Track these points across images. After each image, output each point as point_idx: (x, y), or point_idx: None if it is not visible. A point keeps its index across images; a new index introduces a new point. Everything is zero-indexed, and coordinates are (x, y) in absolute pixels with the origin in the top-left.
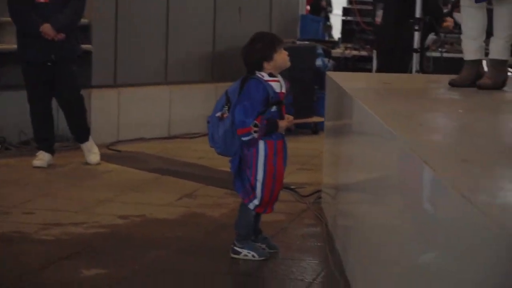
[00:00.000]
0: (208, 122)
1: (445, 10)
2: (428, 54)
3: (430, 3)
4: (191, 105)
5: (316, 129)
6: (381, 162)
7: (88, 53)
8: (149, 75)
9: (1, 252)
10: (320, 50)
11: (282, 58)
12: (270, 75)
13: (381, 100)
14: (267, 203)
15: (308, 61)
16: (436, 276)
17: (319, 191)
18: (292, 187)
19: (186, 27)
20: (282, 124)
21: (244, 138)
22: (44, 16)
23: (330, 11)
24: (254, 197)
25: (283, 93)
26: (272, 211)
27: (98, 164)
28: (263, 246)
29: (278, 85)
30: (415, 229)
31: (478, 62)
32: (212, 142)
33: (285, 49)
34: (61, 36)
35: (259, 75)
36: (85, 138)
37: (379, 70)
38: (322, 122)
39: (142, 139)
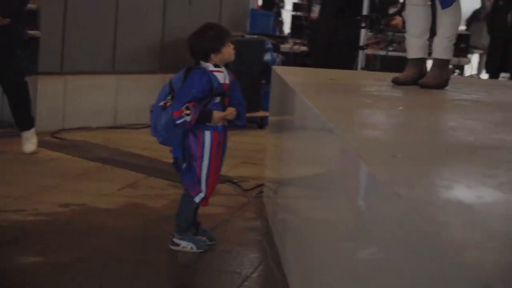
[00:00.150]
0: (151, 111)
1: (394, 9)
2: (376, 52)
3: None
4: (138, 95)
5: (262, 123)
6: (319, 157)
7: (35, 39)
8: (96, 63)
9: None
10: (269, 45)
11: (228, 51)
12: (215, 65)
13: (323, 95)
14: (209, 195)
15: (257, 55)
16: (370, 271)
17: (261, 185)
18: (235, 180)
19: (135, 17)
20: (217, 115)
21: (177, 122)
22: None
23: (282, 7)
24: (201, 190)
25: (226, 84)
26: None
27: (33, 153)
28: (203, 238)
29: (222, 76)
30: (349, 224)
31: (422, 61)
32: (154, 131)
33: (234, 42)
34: (6, 21)
35: (204, 66)
36: (27, 127)
37: (315, 65)
38: (267, 117)
39: (87, 128)
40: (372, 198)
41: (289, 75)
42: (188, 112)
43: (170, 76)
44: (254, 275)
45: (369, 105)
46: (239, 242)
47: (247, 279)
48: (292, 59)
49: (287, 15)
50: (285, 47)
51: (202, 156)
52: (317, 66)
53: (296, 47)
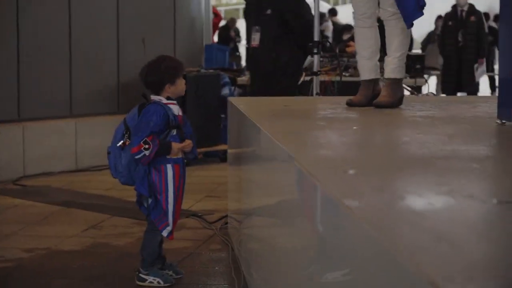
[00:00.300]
0: (108, 153)
1: (348, 36)
2: (334, 78)
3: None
4: (98, 137)
5: (224, 157)
6: (276, 182)
7: None
8: (53, 108)
9: None
10: (226, 79)
11: (182, 84)
12: (168, 98)
13: (276, 121)
14: (174, 228)
15: (213, 89)
16: None
17: (225, 217)
18: (199, 214)
19: (89, 59)
20: (176, 146)
21: (136, 157)
22: None
23: (239, 41)
24: (168, 224)
25: (180, 116)
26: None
27: None
28: (170, 272)
29: (176, 109)
30: (308, 246)
31: (374, 82)
32: (115, 173)
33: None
34: None
35: (156, 99)
36: None
37: (257, 93)
38: None
39: (49, 173)
40: (327, 215)
41: (244, 105)
42: (146, 146)
43: None
44: None
45: (322, 127)
46: (206, 274)
47: None
48: (249, 91)
49: (243, 49)
50: (242, 80)
51: (166, 190)
52: (258, 95)
53: None
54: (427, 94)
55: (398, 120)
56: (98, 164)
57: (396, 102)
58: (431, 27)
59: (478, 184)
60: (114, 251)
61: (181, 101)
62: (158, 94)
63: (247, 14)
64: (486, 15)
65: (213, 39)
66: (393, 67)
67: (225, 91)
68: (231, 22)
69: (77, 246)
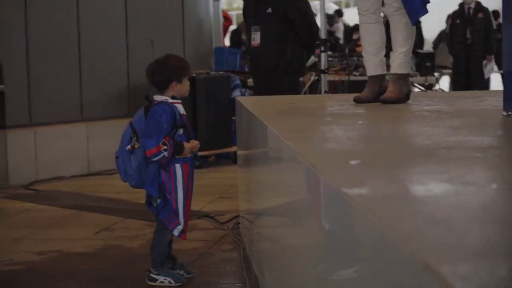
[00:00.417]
0: (116, 157)
1: (358, 35)
2: (344, 78)
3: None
4: (109, 141)
5: (236, 158)
6: (281, 178)
7: (0, 93)
8: (64, 112)
9: None
10: (237, 81)
11: (187, 85)
12: (173, 98)
13: (283, 118)
14: (186, 227)
15: (223, 91)
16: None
17: (236, 217)
18: (211, 215)
19: (99, 63)
20: (187, 146)
21: (154, 158)
22: None
23: None
24: (179, 223)
25: (185, 115)
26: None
27: None
28: (181, 272)
29: (181, 108)
30: (317, 242)
31: (381, 77)
32: (125, 176)
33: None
34: None
35: (161, 99)
36: None
37: (258, 93)
38: None
39: (61, 178)
40: (329, 206)
41: (251, 104)
42: (165, 147)
43: None
44: None
45: (328, 122)
46: (218, 274)
47: None
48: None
49: None
50: (252, 81)
51: (176, 190)
52: (260, 94)
53: None
54: (435, 90)
55: (405, 114)
56: (110, 167)
57: (403, 97)
58: (442, 26)
59: (479, 172)
60: (126, 253)
61: (192, 103)
62: (163, 92)
63: (245, 15)
64: (496, 13)
65: (224, 43)
66: (399, 62)
67: (236, 93)
68: (242, 25)
69: (88, 249)
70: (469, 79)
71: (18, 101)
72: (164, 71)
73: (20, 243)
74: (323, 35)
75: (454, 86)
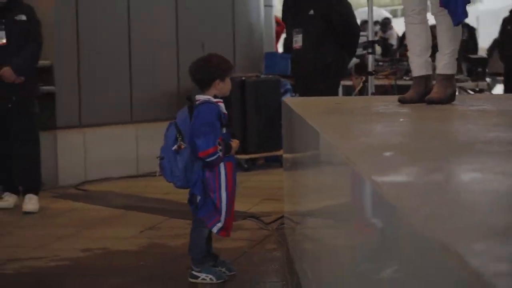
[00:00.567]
0: (162, 158)
1: None
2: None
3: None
4: (158, 143)
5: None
6: (326, 179)
7: (51, 94)
8: (114, 114)
9: None
10: (288, 86)
11: (229, 84)
12: (215, 97)
13: (325, 117)
14: (228, 225)
15: (273, 94)
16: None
17: (281, 217)
18: (257, 216)
19: (149, 65)
20: (234, 145)
21: (209, 159)
22: (2, 58)
23: None
24: (218, 221)
25: (226, 114)
26: (229, 236)
27: (34, 212)
28: (223, 269)
29: (223, 107)
30: (362, 243)
31: (426, 78)
32: (171, 177)
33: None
34: (21, 79)
35: (204, 98)
36: (33, 189)
37: (300, 95)
38: None
39: (110, 179)
40: (356, 191)
41: (296, 104)
42: (220, 147)
43: None
44: None
45: (370, 120)
46: (260, 272)
47: None
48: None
49: None
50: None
51: (219, 188)
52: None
53: None
54: (482, 92)
55: (447, 113)
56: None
57: (448, 97)
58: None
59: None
60: (169, 251)
61: (241, 107)
62: (205, 91)
63: (285, 17)
64: None
65: (277, 48)
66: (444, 63)
67: (287, 97)
68: None
69: (133, 247)
70: None
71: (68, 102)
72: (208, 69)
73: (66, 241)
74: (370, 37)
75: (506, 92)
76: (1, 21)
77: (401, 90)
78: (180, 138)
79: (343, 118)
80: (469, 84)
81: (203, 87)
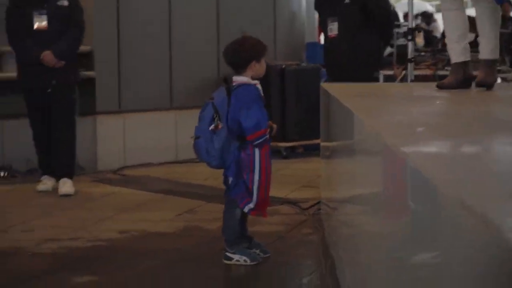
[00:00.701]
0: (198, 137)
1: None
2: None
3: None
4: None
5: None
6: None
7: (91, 79)
8: (154, 100)
9: None
10: None
11: (264, 65)
12: (251, 79)
13: (361, 99)
14: (261, 205)
15: (313, 83)
16: (425, 273)
17: (318, 203)
18: (294, 201)
19: (190, 52)
20: (274, 126)
21: (257, 141)
22: (43, 43)
23: None
24: (250, 201)
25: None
26: (267, 216)
27: (70, 195)
28: (257, 251)
29: (260, 88)
30: (401, 229)
31: (465, 64)
32: (207, 156)
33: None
34: (61, 63)
35: (242, 80)
36: (68, 173)
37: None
38: None
39: (149, 164)
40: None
41: (334, 89)
42: (268, 130)
43: None
44: (308, 282)
45: (405, 103)
46: (295, 255)
47: (302, 286)
48: None
49: None
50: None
51: (254, 169)
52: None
53: None
54: None
55: (488, 98)
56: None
57: (495, 82)
58: None
59: None
60: (206, 234)
61: (281, 95)
62: (241, 73)
63: (319, 5)
64: None
65: (319, 39)
66: (491, 48)
67: None
68: None
69: (170, 229)
70: None
71: (108, 88)
72: (244, 51)
73: (104, 223)
74: (410, 24)
75: None
76: (43, 6)
77: (442, 80)
78: (217, 118)
79: (378, 101)
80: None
81: (239, 69)
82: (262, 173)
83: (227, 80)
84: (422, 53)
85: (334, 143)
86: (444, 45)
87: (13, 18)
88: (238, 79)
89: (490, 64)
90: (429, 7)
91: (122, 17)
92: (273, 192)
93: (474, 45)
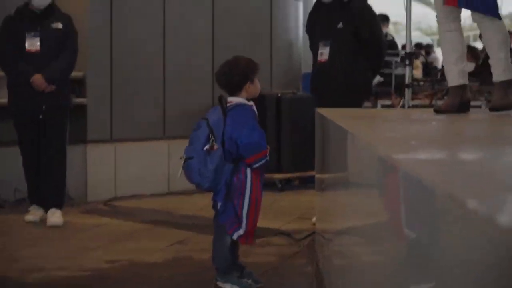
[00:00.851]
0: (190, 158)
1: None
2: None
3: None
4: None
5: None
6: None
7: (83, 106)
8: (146, 129)
9: None
10: None
11: (258, 84)
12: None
13: (354, 120)
14: (250, 232)
15: (309, 112)
16: None
17: (312, 233)
18: (288, 232)
19: (184, 80)
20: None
21: (258, 164)
22: (35, 66)
23: None
24: (239, 227)
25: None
26: (254, 243)
27: (59, 226)
28: (249, 281)
29: (255, 109)
30: (398, 261)
31: (462, 88)
32: (199, 178)
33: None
34: (52, 88)
35: (238, 101)
36: (57, 203)
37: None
38: None
39: (140, 196)
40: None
41: (329, 112)
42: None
43: None
44: None
45: (401, 123)
46: (288, 285)
47: None
48: None
49: None
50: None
51: (244, 195)
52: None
53: None
54: None
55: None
56: (192, 187)
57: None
58: None
59: None
60: (197, 264)
61: (276, 124)
62: (235, 95)
63: (310, 28)
64: None
65: None
66: (503, 68)
67: None
68: None
69: (159, 259)
70: None
71: (100, 116)
72: (237, 74)
73: (92, 253)
74: (408, 48)
75: None
76: (36, 28)
77: None
78: (213, 139)
79: (374, 122)
80: None
81: (233, 91)
82: (252, 199)
83: (222, 100)
84: (421, 83)
85: (329, 174)
86: (443, 74)
87: (6, 40)
88: (233, 99)
89: (504, 86)
90: (429, 41)
91: (116, 45)
92: (267, 223)
93: (473, 75)
